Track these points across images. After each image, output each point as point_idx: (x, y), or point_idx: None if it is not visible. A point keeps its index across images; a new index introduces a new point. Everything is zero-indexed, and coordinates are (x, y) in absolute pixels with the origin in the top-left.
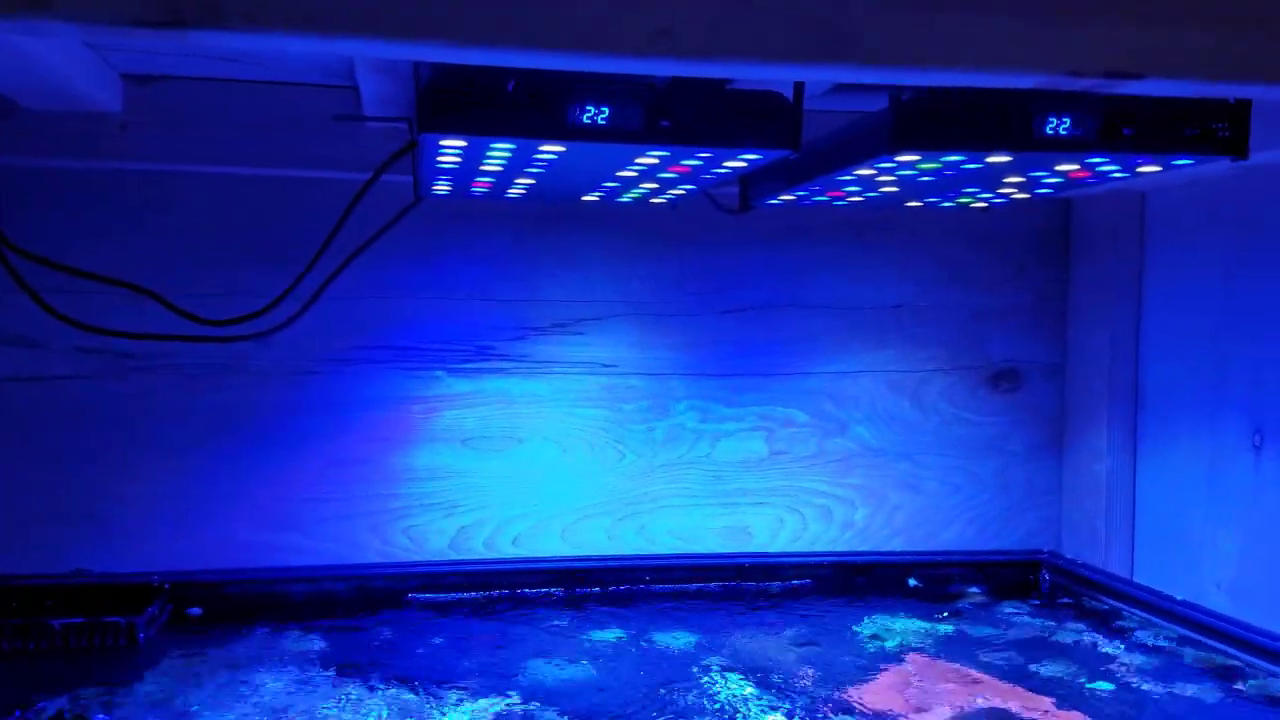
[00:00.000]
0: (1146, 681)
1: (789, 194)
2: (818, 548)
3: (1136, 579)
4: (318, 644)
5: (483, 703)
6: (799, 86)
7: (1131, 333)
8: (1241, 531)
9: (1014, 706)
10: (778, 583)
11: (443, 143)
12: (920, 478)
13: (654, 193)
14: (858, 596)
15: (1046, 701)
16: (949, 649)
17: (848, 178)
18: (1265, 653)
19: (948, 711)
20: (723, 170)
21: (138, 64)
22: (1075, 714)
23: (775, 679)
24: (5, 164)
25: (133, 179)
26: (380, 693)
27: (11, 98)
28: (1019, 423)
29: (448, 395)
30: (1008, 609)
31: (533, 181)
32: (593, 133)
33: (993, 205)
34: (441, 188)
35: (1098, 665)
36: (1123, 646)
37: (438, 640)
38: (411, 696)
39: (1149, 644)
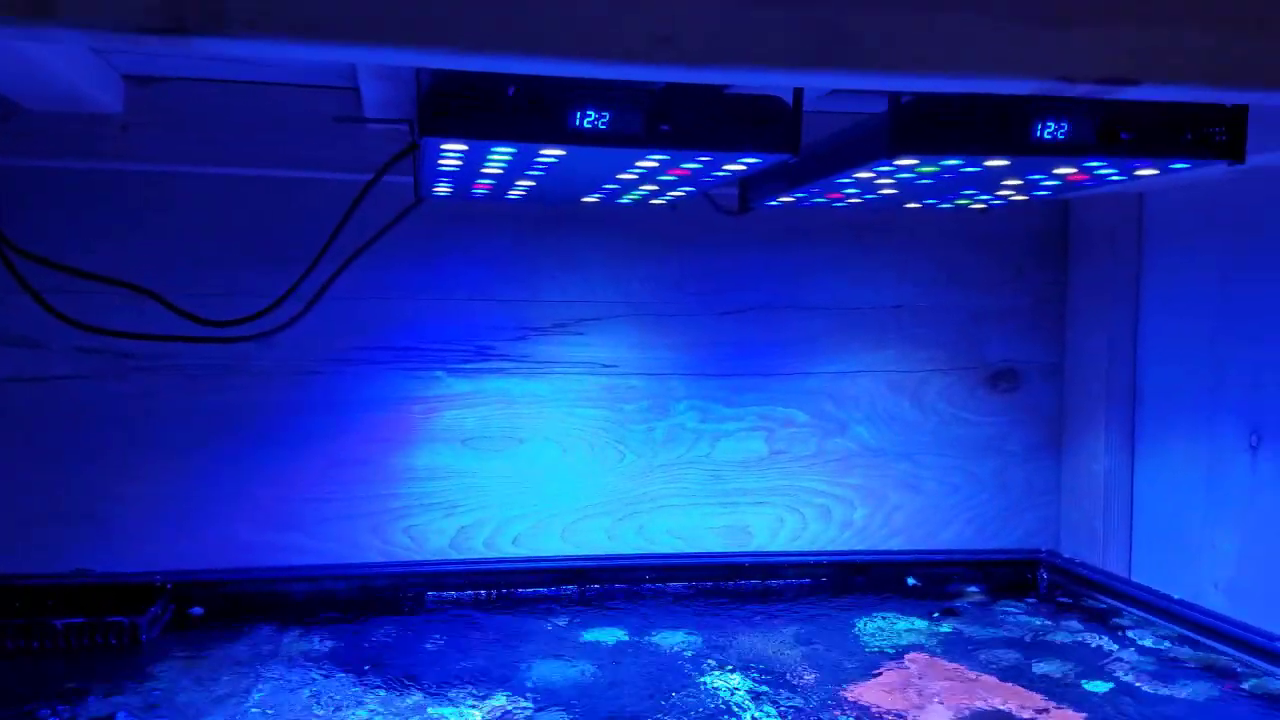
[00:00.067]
0: (1144, 681)
1: (788, 196)
2: (817, 547)
3: (1134, 578)
4: (319, 643)
5: (483, 702)
6: (798, 91)
7: (1129, 334)
8: (1239, 531)
9: (1012, 705)
10: (777, 582)
11: (444, 146)
12: (919, 477)
13: (654, 194)
14: (857, 596)
15: (1044, 700)
16: (948, 648)
17: (847, 180)
18: (1262, 652)
19: (947, 711)
20: (722, 173)
21: (139, 65)
22: (1073, 713)
23: (775, 678)
24: (7, 165)
25: (134, 180)
26: (381, 692)
27: (13, 99)
28: (1017, 423)
29: (448, 395)
30: (1006, 608)
31: (533, 183)
32: (593, 137)
33: (991, 207)
34: (442, 189)
35: (1096, 664)
36: (1120, 646)
37: (438, 640)
38: (412, 696)
39: (1147, 643)
